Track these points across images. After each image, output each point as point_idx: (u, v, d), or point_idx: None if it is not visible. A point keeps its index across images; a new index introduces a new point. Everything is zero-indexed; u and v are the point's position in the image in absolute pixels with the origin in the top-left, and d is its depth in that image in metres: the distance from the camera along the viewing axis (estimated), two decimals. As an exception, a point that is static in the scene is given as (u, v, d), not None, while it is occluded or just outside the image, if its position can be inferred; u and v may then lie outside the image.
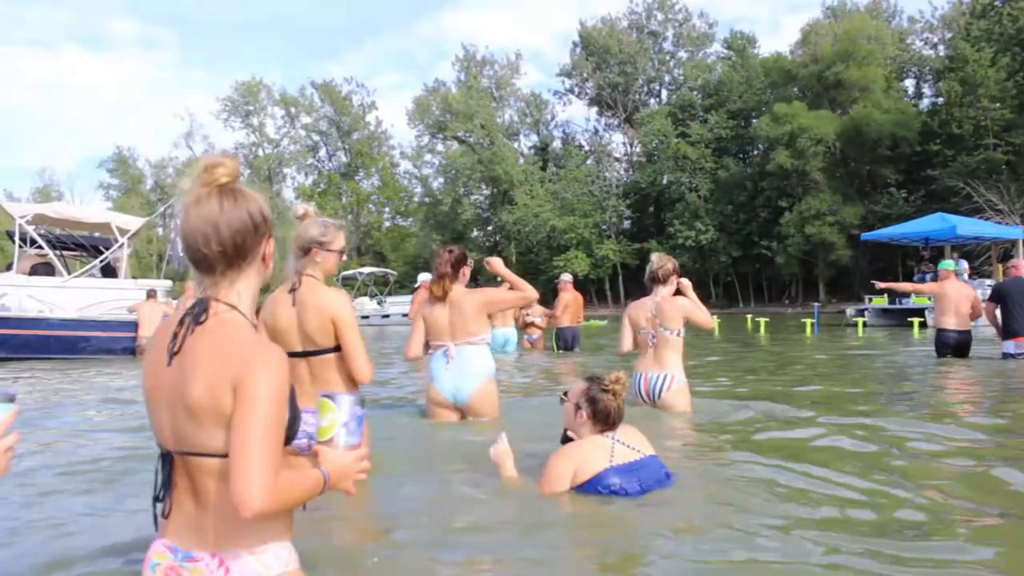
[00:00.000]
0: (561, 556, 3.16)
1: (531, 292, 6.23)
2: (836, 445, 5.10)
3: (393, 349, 17.26)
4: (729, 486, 4.06)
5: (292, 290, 4.26)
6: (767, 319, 24.36)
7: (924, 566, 2.87)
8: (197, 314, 2.05)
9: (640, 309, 6.62)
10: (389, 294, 48.12)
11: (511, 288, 6.30)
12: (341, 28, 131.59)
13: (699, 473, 4.41)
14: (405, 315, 15.87)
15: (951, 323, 11.38)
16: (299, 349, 4.18)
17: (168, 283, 18.93)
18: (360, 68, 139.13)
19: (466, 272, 5.98)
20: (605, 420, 3.89)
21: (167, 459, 2.07)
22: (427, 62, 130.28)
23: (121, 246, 18.05)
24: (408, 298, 28.19)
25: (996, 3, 51.23)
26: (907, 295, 24.25)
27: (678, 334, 6.45)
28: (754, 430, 5.74)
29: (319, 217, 4.35)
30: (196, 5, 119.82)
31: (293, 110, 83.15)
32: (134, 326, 16.20)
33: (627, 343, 6.67)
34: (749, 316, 29.24)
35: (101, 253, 18.35)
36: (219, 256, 2.06)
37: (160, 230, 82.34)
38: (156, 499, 2.09)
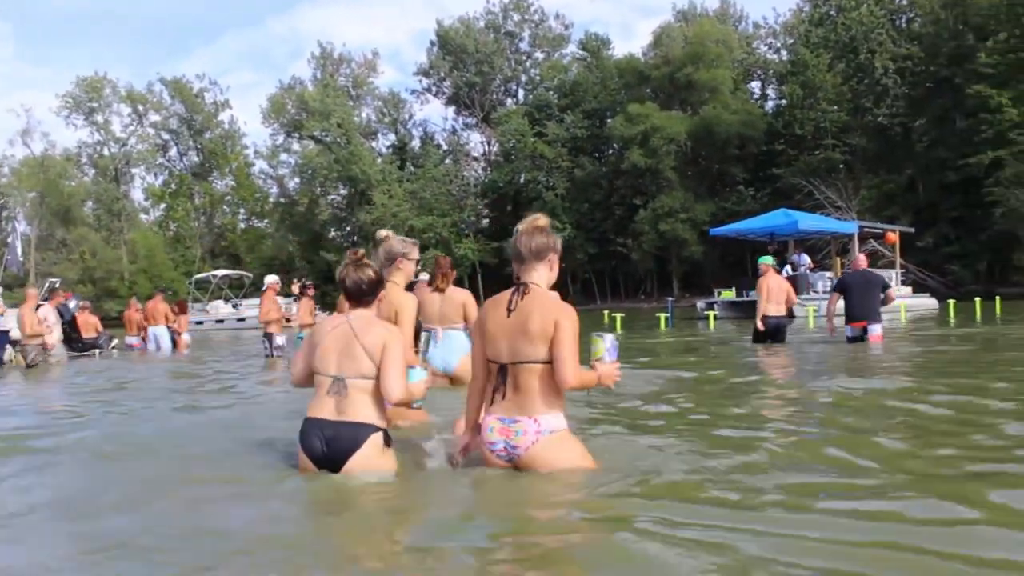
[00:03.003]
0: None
1: None
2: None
3: (255, 353, 16.69)
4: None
5: None
6: (623, 314, 24.82)
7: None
8: (522, 290, 3.88)
9: None
10: (244, 297, 46.82)
11: None
12: (192, 24, 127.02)
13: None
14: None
15: (772, 310, 12.77)
16: None
17: (-1, 288, 17.73)
18: (213, 65, 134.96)
19: (454, 275, 8.09)
20: None
21: (503, 368, 3.83)
22: (283, 60, 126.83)
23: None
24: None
25: (831, 13, 54.02)
26: (751, 288, 25.25)
27: None
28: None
29: (396, 237, 5.96)
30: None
31: (141, 107, 78.74)
32: None
33: None
34: (606, 312, 29.77)
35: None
36: (530, 256, 3.93)
37: (-6, 233, 77.37)
38: (495, 390, 3.85)
